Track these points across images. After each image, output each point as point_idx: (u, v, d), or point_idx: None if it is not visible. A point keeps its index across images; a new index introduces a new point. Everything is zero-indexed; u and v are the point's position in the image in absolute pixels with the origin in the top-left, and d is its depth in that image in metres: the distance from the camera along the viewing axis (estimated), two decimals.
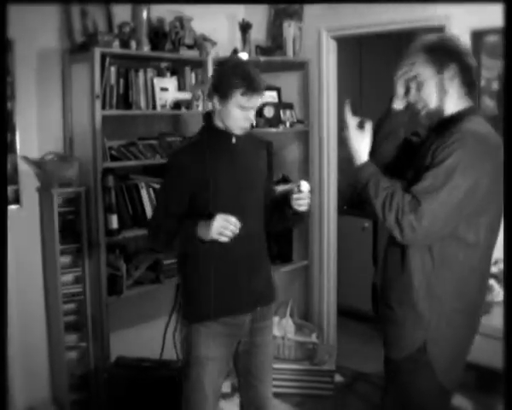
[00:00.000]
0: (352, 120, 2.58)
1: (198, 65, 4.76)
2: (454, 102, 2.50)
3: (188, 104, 4.65)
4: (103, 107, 4.16)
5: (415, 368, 2.49)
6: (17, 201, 4.12)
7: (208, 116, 3.13)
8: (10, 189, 4.06)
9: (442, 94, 2.49)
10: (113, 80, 4.25)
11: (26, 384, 4.19)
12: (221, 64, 3.17)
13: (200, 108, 4.69)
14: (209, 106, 3.57)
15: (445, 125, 2.48)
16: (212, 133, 3.09)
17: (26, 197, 4.16)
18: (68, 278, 4.17)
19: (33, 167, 4.14)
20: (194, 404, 3.10)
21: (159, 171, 4.64)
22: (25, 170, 4.13)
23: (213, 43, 4.79)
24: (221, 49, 4.94)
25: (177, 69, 4.74)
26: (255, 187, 3.18)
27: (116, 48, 4.23)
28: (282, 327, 4.75)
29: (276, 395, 4.55)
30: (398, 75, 2.61)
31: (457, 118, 2.47)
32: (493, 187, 2.38)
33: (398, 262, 2.53)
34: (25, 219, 4.17)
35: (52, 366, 4.38)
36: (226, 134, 3.07)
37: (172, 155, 3.30)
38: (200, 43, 4.73)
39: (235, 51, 5.02)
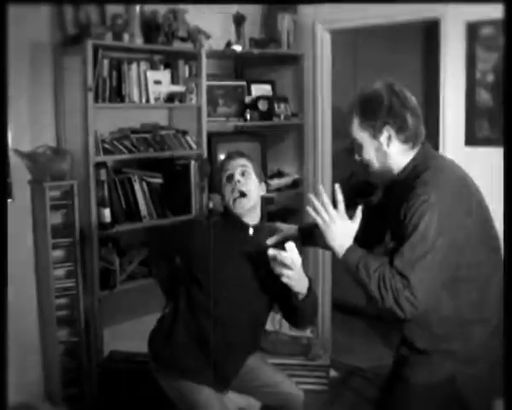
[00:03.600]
0: (341, 209, 2.44)
1: (192, 57, 4.72)
2: (398, 159, 2.44)
3: (181, 97, 4.62)
4: (96, 100, 4.12)
5: (441, 394, 2.41)
6: (9, 194, 4.08)
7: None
8: None
9: (382, 156, 2.44)
10: (105, 73, 4.21)
11: (18, 379, 4.16)
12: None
13: (194, 102, 4.66)
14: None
15: (401, 182, 2.45)
16: (230, 219, 3.09)
17: (17, 191, 4.12)
18: (61, 272, 4.15)
19: (25, 160, 4.10)
20: None
21: (152, 164, 4.63)
22: (16, 163, 4.09)
23: (207, 36, 4.75)
24: (215, 42, 4.91)
25: (170, 62, 4.71)
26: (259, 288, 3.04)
27: (109, 40, 4.20)
28: (277, 322, 4.73)
29: None
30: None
31: (412, 172, 2.42)
32: (475, 231, 2.36)
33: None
34: (16, 212, 4.13)
35: (45, 361, 4.35)
36: (243, 224, 3.07)
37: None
38: (194, 35, 4.69)
39: (229, 44, 4.99)
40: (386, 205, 2.61)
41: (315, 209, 2.40)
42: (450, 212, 2.27)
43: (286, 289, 2.75)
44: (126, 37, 4.30)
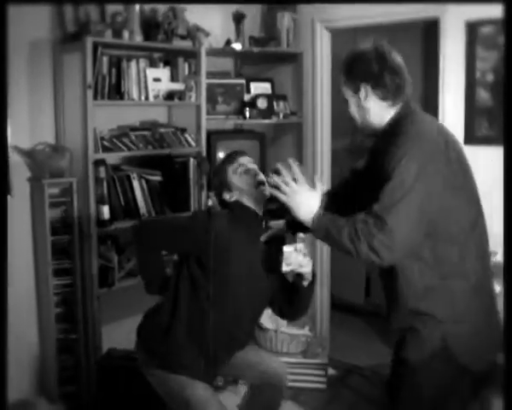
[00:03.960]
0: (300, 178, 2.60)
1: (191, 55, 4.71)
2: (379, 115, 2.60)
3: (181, 95, 4.62)
4: (95, 97, 4.12)
5: (439, 361, 2.47)
6: (8, 191, 4.08)
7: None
8: None
9: (362, 111, 2.61)
10: (105, 70, 4.21)
11: (15, 377, 4.15)
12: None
13: (193, 99, 4.66)
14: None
15: (383, 138, 2.57)
16: (244, 212, 3.09)
17: (16, 188, 4.12)
18: (59, 269, 4.14)
19: (24, 157, 4.10)
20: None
21: (151, 162, 4.63)
22: (16, 160, 4.09)
23: (207, 34, 4.75)
24: (214, 40, 4.92)
25: (169, 59, 4.70)
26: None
27: (108, 37, 4.19)
28: (275, 320, 4.73)
29: None
30: None
31: (392, 127, 2.55)
32: (453, 179, 2.42)
33: (395, 284, 2.53)
34: (15, 209, 4.13)
35: (42, 358, 4.35)
36: (257, 216, 3.11)
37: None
38: (194, 33, 4.69)
39: (229, 42, 4.99)
40: (372, 166, 2.69)
41: (275, 185, 2.58)
42: (428, 160, 2.35)
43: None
44: (126, 34, 4.29)
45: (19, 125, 4.11)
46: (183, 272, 3.04)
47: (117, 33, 4.26)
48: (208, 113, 4.82)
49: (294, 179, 2.59)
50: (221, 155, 4.78)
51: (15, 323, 4.17)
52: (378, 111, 2.59)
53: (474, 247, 2.50)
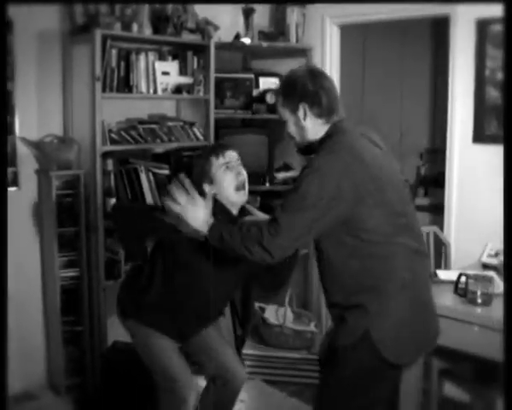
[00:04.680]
0: (191, 191, 2.74)
1: (200, 49, 4.71)
2: (314, 132, 2.72)
3: (189, 89, 4.62)
4: (103, 89, 4.12)
5: (361, 349, 2.60)
6: (15, 183, 4.09)
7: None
8: (9, 171, 4.03)
9: (300, 129, 2.74)
10: (113, 63, 4.21)
11: (21, 368, 4.17)
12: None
13: (201, 93, 4.66)
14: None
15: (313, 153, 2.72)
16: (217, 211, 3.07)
17: (24, 179, 4.13)
18: (65, 261, 4.15)
19: (32, 149, 4.11)
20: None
21: (159, 155, 4.63)
22: (23, 152, 4.10)
23: (216, 28, 4.75)
24: (223, 34, 4.90)
25: (178, 53, 4.70)
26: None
27: (117, 30, 4.19)
28: (281, 316, 4.73)
29: (274, 383, 4.55)
30: None
31: (320, 142, 2.69)
32: (367, 196, 2.52)
33: (323, 270, 2.76)
34: (23, 201, 4.15)
35: (48, 350, 4.37)
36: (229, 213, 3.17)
37: None
38: (203, 27, 4.69)
39: (238, 36, 4.98)
40: None
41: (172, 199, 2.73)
42: (335, 178, 2.47)
43: None
44: (135, 27, 4.29)
45: (27, 117, 4.12)
46: (160, 247, 3.24)
47: (126, 26, 4.26)
48: (216, 107, 4.82)
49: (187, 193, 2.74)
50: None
51: (21, 315, 4.19)
52: (314, 128, 2.72)
53: (401, 248, 2.62)
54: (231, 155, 3.14)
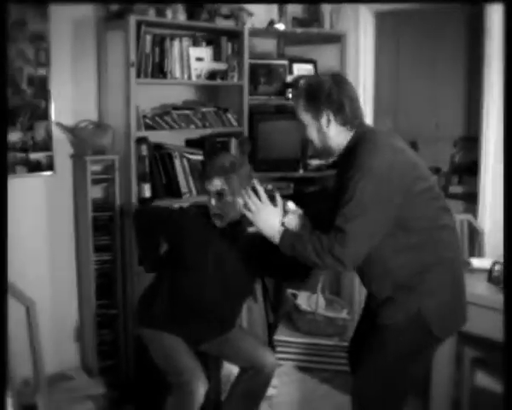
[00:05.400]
0: (263, 198, 2.81)
1: (234, 35, 4.71)
2: (338, 140, 2.77)
3: (223, 75, 4.63)
4: (138, 75, 4.15)
5: (413, 327, 2.73)
6: (51, 167, 4.14)
7: None
8: (44, 155, 4.09)
9: (323, 136, 2.77)
10: (148, 49, 4.23)
11: (55, 350, 4.23)
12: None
13: (235, 79, 4.66)
14: None
15: (342, 161, 2.80)
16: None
17: (59, 164, 4.18)
18: (100, 245, 4.19)
19: (67, 134, 4.16)
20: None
21: (193, 141, 4.65)
22: (59, 137, 4.15)
23: (250, 14, 4.74)
24: (257, 20, 4.89)
25: (212, 39, 4.70)
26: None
27: (151, 16, 4.21)
28: (313, 302, 4.72)
29: (305, 369, 4.56)
30: None
31: (350, 150, 2.73)
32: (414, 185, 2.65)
33: (368, 263, 2.74)
34: (58, 185, 4.19)
35: (82, 333, 4.42)
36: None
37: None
38: (237, 13, 4.68)
39: (272, 22, 4.97)
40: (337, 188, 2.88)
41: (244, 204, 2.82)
42: (383, 177, 2.56)
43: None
44: (169, 13, 4.30)
45: (62, 103, 4.16)
46: (170, 254, 3.47)
47: (160, 12, 4.27)
48: (250, 93, 4.82)
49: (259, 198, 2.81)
50: (263, 135, 4.85)
51: (56, 298, 4.25)
52: (338, 136, 2.76)
53: (445, 229, 2.77)
54: (212, 184, 3.29)
